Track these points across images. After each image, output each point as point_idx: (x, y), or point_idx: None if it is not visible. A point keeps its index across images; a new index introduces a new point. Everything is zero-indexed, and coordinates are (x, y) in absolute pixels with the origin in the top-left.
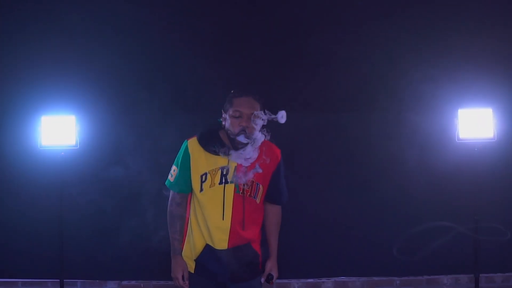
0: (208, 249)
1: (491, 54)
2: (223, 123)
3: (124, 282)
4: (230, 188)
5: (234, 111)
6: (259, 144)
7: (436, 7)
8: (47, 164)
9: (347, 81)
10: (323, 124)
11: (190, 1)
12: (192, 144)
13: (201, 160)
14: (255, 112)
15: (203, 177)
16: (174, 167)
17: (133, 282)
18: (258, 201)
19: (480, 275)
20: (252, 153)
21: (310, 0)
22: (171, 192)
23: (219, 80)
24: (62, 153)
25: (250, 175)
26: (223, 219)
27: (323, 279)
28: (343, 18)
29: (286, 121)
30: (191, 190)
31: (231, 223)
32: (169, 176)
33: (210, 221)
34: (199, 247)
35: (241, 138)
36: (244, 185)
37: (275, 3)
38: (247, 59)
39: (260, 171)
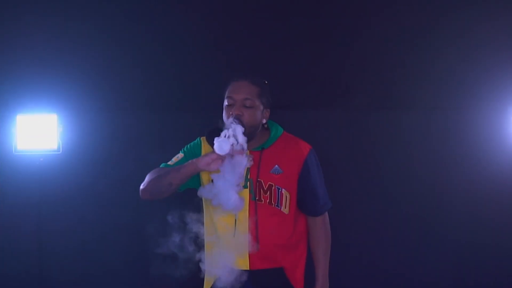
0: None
1: None
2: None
3: None
4: (244, 194)
5: (226, 99)
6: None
7: None
8: (23, 172)
9: (399, 75)
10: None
11: None
12: (205, 142)
13: None
14: (249, 97)
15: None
16: (179, 154)
17: None
18: (286, 211)
19: None
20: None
21: None
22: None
23: (228, 73)
24: (41, 159)
25: (267, 177)
26: (234, 233)
27: None
28: None
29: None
30: (192, 186)
31: (249, 238)
32: (169, 162)
33: (224, 237)
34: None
35: (232, 125)
36: (261, 190)
37: None
38: (265, 49)
39: (281, 172)
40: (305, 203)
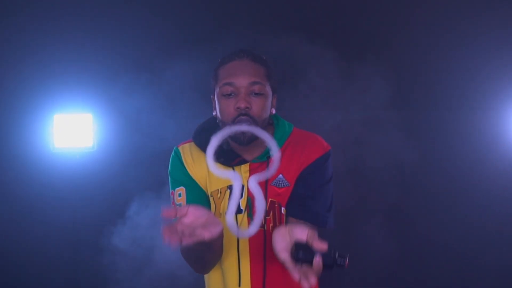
0: None
1: None
2: (214, 113)
3: None
4: (243, 220)
5: (222, 86)
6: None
7: None
8: (61, 168)
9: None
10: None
11: None
12: (186, 151)
13: (201, 173)
14: (258, 81)
15: None
16: (176, 190)
17: None
18: None
19: None
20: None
21: None
22: None
23: None
24: (78, 156)
25: (269, 192)
26: (239, 274)
27: None
28: None
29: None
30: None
31: (251, 279)
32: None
33: (226, 275)
34: None
35: (242, 127)
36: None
37: None
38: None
39: (287, 184)
40: (296, 208)
